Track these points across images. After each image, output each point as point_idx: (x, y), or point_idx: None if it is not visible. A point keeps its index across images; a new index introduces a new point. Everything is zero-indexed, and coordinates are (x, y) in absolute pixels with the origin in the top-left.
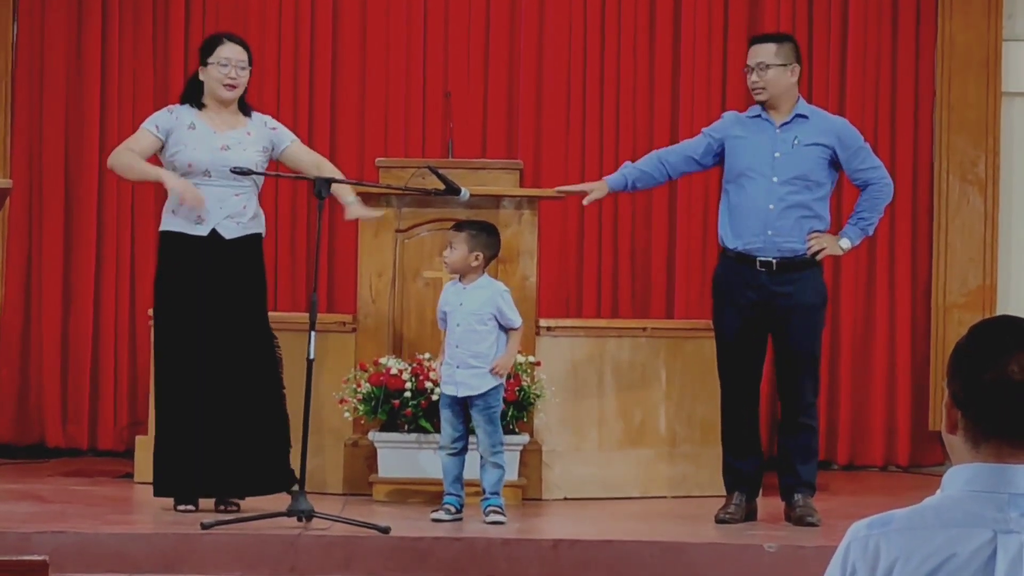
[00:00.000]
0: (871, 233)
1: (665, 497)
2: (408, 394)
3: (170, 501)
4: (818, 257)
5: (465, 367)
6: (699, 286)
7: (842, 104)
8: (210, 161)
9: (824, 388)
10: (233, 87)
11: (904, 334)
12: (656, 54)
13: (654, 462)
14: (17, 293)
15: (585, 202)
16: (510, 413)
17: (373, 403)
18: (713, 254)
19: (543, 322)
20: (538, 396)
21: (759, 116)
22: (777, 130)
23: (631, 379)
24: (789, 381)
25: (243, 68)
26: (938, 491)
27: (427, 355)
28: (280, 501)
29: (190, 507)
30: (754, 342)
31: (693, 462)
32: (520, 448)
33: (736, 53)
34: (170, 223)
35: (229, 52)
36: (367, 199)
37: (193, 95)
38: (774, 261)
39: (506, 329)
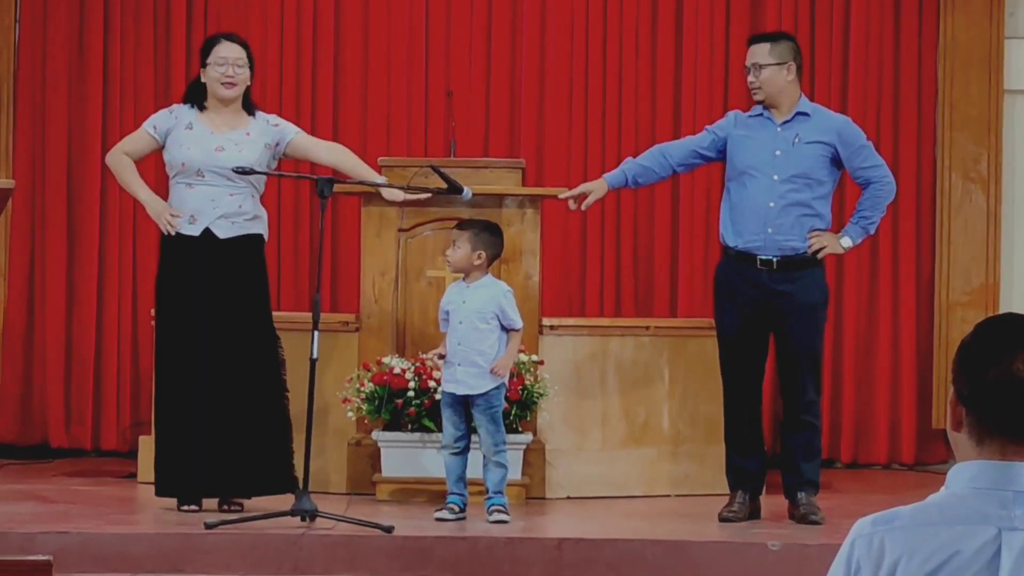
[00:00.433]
0: (872, 232)
1: (669, 496)
2: (411, 393)
3: (173, 501)
4: (819, 256)
5: (467, 365)
6: (702, 285)
7: (844, 102)
8: (202, 161)
9: (828, 386)
10: (232, 85)
11: (907, 332)
12: (658, 53)
13: (657, 461)
14: (20, 294)
15: (584, 206)
16: (513, 412)
17: (376, 403)
18: (716, 253)
19: (546, 321)
20: (541, 395)
21: (761, 115)
22: (778, 128)
23: (634, 378)
24: (791, 379)
25: (241, 66)
26: (942, 488)
27: (431, 354)
28: (284, 501)
29: (193, 507)
30: (755, 340)
31: (696, 461)
32: (523, 447)
33: (738, 52)
34: None
35: (226, 51)
36: (370, 198)
37: (195, 96)
38: (775, 259)
39: (507, 329)
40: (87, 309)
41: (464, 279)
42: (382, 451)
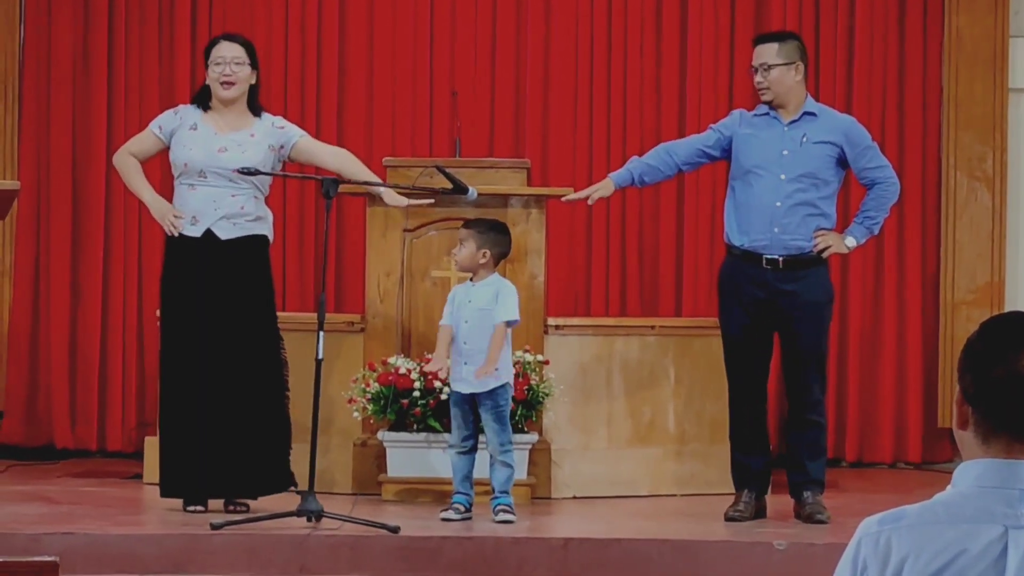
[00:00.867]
0: (876, 232)
1: (674, 495)
2: (417, 393)
3: (179, 502)
4: (824, 255)
5: (473, 364)
6: (707, 284)
7: (849, 101)
8: (205, 162)
9: (833, 385)
10: (230, 84)
11: (913, 331)
12: (663, 52)
13: (663, 460)
14: (25, 294)
15: (590, 202)
16: (519, 412)
17: (382, 403)
18: (721, 252)
19: (551, 321)
20: (547, 395)
21: (767, 114)
22: (785, 127)
23: (640, 377)
24: (796, 378)
25: (239, 64)
26: (949, 487)
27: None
28: (289, 501)
29: (199, 508)
30: (760, 339)
31: (702, 460)
32: (529, 447)
33: (743, 52)
34: None
35: (223, 51)
36: (375, 199)
37: (202, 98)
38: (780, 258)
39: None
40: (92, 310)
41: (471, 279)
42: (388, 451)
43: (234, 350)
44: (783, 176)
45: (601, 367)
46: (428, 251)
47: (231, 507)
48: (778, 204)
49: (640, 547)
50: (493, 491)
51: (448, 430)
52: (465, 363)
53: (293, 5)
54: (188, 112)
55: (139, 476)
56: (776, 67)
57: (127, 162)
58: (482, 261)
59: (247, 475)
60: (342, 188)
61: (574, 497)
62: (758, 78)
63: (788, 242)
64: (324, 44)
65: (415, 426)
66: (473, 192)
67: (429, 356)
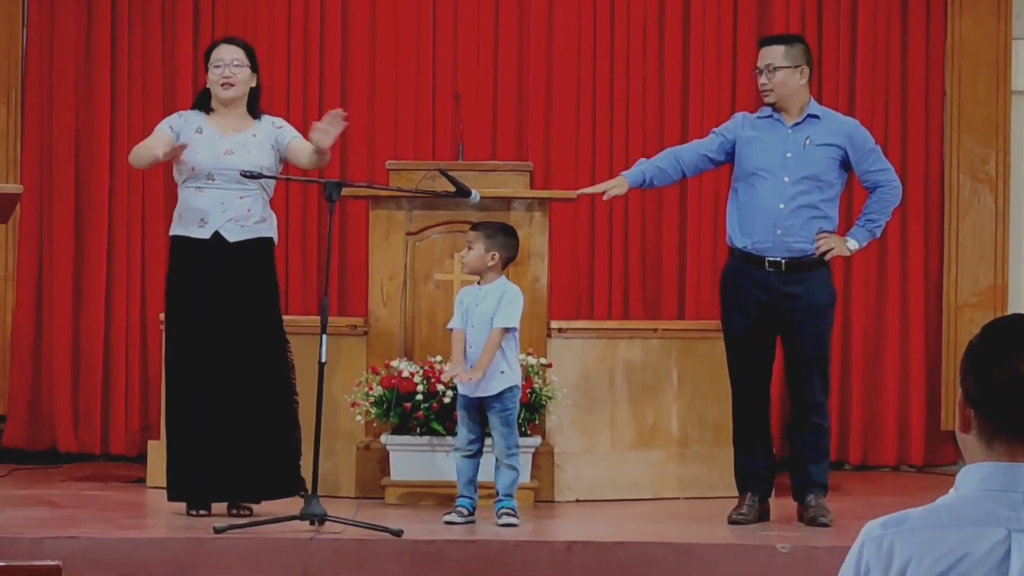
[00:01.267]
0: (878, 235)
1: (677, 498)
2: (420, 397)
3: (182, 506)
4: (826, 257)
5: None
6: (710, 287)
7: (852, 104)
8: (212, 165)
9: (836, 388)
10: (229, 85)
11: (916, 333)
12: (665, 55)
13: (666, 463)
14: (28, 298)
15: (605, 197)
16: (522, 415)
17: (385, 406)
18: (724, 255)
19: (554, 324)
20: (549, 398)
21: (770, 116)
22: (789, 130)
23: (642, 380)
24: (799, 381)
25: (238, 65)
26: (952, 490)
27: (439, 358)
28: (293, 505)
29: (203, 511)
30: (762, 342)
31: (705, 463)
32: (532, 450)
33: (746, 53)
34: (177, 227)
35: (222, 53)
36: (378, 201)
37: (203, 102)
38: (783, 261)
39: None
40: (95, 313)
41: (478, 281)
42: (391, 455)
43: (242, 353)
44: (786, 178)
45: (604, 370)
46: (431, 254)
47: (235, 511)
48: (781, 206)
49: (643, 550)
50: (497, 494)
51: (451, 433)
52: (471, 367)
53: (296, 7)
54: (191, 116)
55: (142, 480)
56: (781, 69)
57: (140, 147)
58: (490, 264)
59: (256, 479)
60: (345, 191)
61: (577, 500)
62: (762, 80)
63: (791, 244)
64: (326, 47)
65: (418, 429)
66: (476, 195)
67: (432, 359)
